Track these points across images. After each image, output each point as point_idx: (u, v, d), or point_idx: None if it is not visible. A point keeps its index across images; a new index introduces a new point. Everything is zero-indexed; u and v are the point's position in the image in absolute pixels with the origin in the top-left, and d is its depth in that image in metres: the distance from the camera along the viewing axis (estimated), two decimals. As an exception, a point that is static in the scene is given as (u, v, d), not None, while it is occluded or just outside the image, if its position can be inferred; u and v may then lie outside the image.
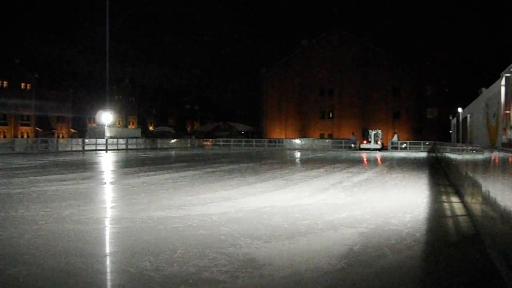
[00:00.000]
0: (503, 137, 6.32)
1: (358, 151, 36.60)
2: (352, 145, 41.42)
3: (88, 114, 66.64)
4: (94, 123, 54.83)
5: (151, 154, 27.91)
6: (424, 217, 6.02)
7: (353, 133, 42.96)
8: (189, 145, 46.54)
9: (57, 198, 7.43)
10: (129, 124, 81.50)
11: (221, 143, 48.46)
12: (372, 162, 20.42)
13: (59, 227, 5.17)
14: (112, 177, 12.42)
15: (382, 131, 38.07)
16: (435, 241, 4.81)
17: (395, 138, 39.72)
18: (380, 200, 7.66)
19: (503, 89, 6.62)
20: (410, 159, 23.83)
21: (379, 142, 36.31)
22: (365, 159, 22.95)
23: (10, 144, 30.21)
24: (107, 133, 34.31)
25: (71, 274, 3.43)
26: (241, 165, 16.99)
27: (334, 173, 13.54)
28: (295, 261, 3.80)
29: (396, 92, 54.17)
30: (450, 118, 29.42)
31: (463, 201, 7.33)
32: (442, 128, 47.12)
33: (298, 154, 29.43)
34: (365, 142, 36.79)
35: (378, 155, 29.29)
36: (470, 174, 6.77)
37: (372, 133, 36.38)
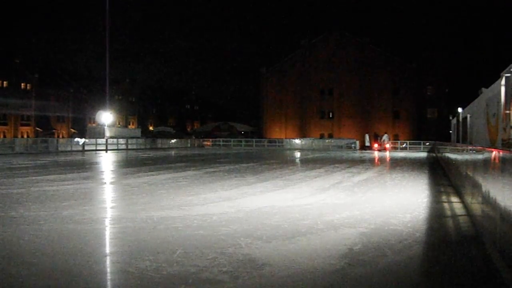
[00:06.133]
0: (503, 137, 6.32)
1: (358, 151, 36.71)
2: (353, 146, 41.67)
3: (88, 114, 66.67)
4: (94, 123, 54.84)
5: (151, 154, 27.91)
6: (424, 217, 6.02)
7: (367, 134, 43.47)
8: (189, 145, 46.56)
9: (57, 198, 7.43)
10: (129, 124, 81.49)
11: (221, 143, 48.49)
12: (372, 162, 20.41)
13: (59, 227, 5.17)
14: (112, 177, 12.42)
15: (388, 135, 40.43)
16: (435, 241, 4.81)
17: (385, 137, 40.03)
18: (380, 200, 7.66)
19: (503, 89, 6.63)
20: (410, 159, 23.83)
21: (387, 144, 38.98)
22: (364, 160, 22.95)
23: (10, 144, 30.20)
24: (107, 133, 34.31)
25: (71, 274, 3.43)
26: (241, 165, 16.99)
27: (334, 173, 13.53)
28: (295, 261, 3.80)
29: (396, 92, 54.19)
30: (450, 118, 29.44)
31: (463, 201, 7.33)
32: (442, 128, 47.13)
33: (298, 154, 29.43)
34: (377, 144, 38.71)
35: (378, 155, 29.35)
36: (470, 174, 6.77)
37: (383, 136, 38.90)
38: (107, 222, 5.62)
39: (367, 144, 40.40)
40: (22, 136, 60.54)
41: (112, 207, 6.80)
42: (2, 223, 5.39)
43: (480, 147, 6.20)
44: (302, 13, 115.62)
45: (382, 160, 22.81)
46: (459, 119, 17.21)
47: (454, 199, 7.93)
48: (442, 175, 13.12)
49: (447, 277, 3.56)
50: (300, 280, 3.35)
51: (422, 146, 39.80)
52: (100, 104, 56.95)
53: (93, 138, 35.79)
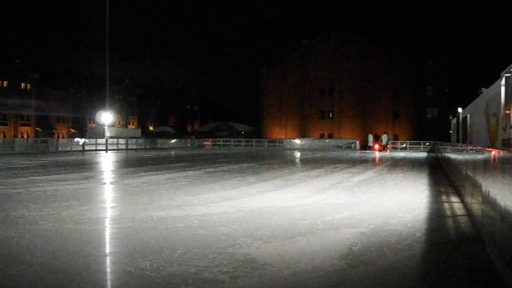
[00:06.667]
0: (503, 137, 6.32)
1: (359, 151, 36.76)
2: (353, 146, 41.75)
3: (88, 114, 66.69)
4: (94, 123, 54.87)
5: (151, 154, 27.92)
6: (424, 217, 6.02)
7: (371, 134, 43.30)
8: (189, 145, 46.56)
9: (57, 198, 7.43)
10: (129, 124, 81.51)
11: (221, 143, 48.51)
12: (372, 163, 20.41)
13: (59, 227, 5.17)
14: (112, 177, 12.42)
15: (387, 135, 40.83)
16: (435, 241, 4.81)
17: (383, 137, 40.05)
18: (380, 200, 7.66)
19: (503, 89, 6.64)
20: (410, 159, 23.83)
21: (388, 145, 39.43)
22: (364, 160, 22.96)
23: (10, 144, 30.19)
24: (107, 133, 34.31)
25: (71, 274, 3.43)
26: (241, 165, 16.98)
27: (334, 173, 13.53)
28: (295, 261, 3.80)
29: (396, 92, 54.19)
30: (450, 118, 29.47)
31: (463, 201, 7.33)
32: (442, 128, 47.15)
33: (298, 154, 29.43)
34: (377, 144, 38.80)
35: (379, 155, 29.38)
36: (470, 174, 6.77)
37: (383, 137, 39.30)
38: (107, 222, 5.61)
39: (371, 144, 40.48)
40: (22, 136, 60.57)
41: (112, 207, 6.80)
42: (2, 223, 5.39)
43: (480, 147, 6.20)
44: (302, 13, 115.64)
45: (382, 160, 22.81)
46: (459, 119, 17.22)
47: (454, 199, 7.93)
48: (442, 175, 13.11)
49: (447, 277, 3.56)
50: (300, 280, 3.35)
51: (422, 146, 39.83)
52: (100, 104, 56.96)
53: (93, 138, 35.78)
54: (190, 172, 13.22)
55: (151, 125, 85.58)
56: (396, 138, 49.75)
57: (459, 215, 6.36)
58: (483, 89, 9.62)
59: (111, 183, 10.69)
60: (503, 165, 3.95)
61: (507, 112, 6.32)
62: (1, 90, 61.52)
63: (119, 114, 72.80)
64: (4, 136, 59.58)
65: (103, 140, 32.99)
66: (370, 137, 41.46)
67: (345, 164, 18.25)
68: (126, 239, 4.64)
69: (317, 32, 59.54)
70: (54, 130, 67.53)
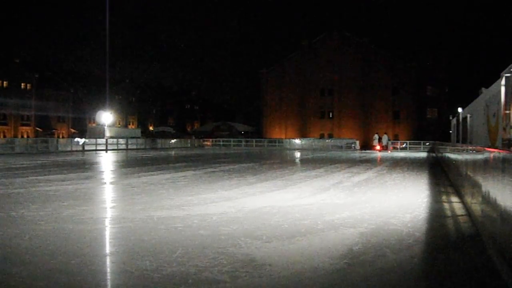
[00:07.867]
0: (503, 137, 6.32)
1: (359, 151, 36.77)
2: (353, 146, 41.74)
3: (88, 114, 66.69)
4: (94, 123, 54.86)
5: (151, 154, 27.92)
6: (424, 217, 6.02)
7: (376, 133, 43.07)
8: (189, 145, 46.56)
9: (57, 198, 7.43)
10: (129, 124, 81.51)
11: (221, 143, 48.52)
12: (372, 163, 20.41)
13: (59, 227, 5.17)
14: (112, 177, 12.42)
15: (386, 135, 41.00)
16: (435, 241, 4.81)
17: (384, 138, 40.02)
18: (380, 200, 7.66)
19: (503, 89, 6.64)
20: (410, 159, 23.83)
21: (388, 144, 40.01)
22: (364, 160, 22.96)
23: (10, 144, 30.19)
24: (107, 133, 34.30)
25: (71, 274, 3.43)
26: (241, 165, 16.99)
27: (334, 173, 13.53)
28: (295, 261, 3.80)
29: (396, 92, 54.15)
30: (450, 118, 29.47)
31: (463, 201, 7.33)
32: (442, 128, 47.14)
33: (298, 154, 29.43)
34: (379, 144, 38.79)
35: (380, 155, 29.40)
36: (470, 174, 6.77)
37: (383, 138, 39.70)
38: (107, 222, 5.61)
39: (375, 144, 40.38)
40: (22, 136, 60.55)
41: (112, 207, 6.80)
42: (2, 223, 5.39)
43: (480, 147, 6.19)
44: (302, 13, 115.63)
45: (382, 160, 22.80)
46: (459, 119, 17.23)
47: (454, 199, 7.93)
48: (442, 175, 13.11)
49: (447, 277, 3.56)
50: (300, 280, 3.35)
51: (422, 146, 39.84)
52: (100, 104, 56.92)
53: (93, 138, 35.78)
54: (190, 172, 13.22)
55: (151, 125, 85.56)
56: (396, 138, 49.75)
57: (459, 215, 6.36)
58: (483, 89, 9.62)
59: (111, 183, 10.69)
60: (503, 165, 3.94)
61: (507, 112, 6.32)
62: (1, 90, 61.49)
63: (119, 114, 72.78)
64: (4, 136, 59.56)
65: (103, 140, 32.98)
66: (376, 137, 41.33)
67: (345, 164, 18.25)
68: (126, 239, 4.64)
69: (317, 32, 59.55)
70: (54, 130, 67.51)
